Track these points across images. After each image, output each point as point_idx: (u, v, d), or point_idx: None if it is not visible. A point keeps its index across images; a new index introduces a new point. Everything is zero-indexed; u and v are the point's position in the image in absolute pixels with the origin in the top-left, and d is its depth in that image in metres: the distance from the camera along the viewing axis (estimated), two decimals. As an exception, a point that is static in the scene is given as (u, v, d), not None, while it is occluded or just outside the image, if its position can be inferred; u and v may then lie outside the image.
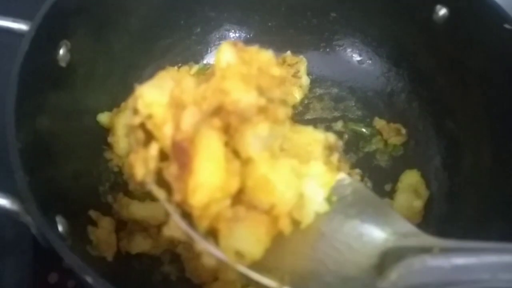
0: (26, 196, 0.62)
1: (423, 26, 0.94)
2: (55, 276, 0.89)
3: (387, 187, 0.95)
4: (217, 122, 0.56)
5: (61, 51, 0.81)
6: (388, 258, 0.58)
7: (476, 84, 0.89)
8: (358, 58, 1.06)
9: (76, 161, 0.85)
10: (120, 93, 0.95)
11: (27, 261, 0.92)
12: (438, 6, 0.90)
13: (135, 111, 0.59)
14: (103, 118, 0.92)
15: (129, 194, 0.88)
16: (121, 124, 0.90)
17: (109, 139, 0.91)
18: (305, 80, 1.02)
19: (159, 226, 0.84)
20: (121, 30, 0.93)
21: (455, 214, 0.88)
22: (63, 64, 0.81)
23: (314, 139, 0.70)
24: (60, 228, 0.68)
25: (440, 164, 0.93)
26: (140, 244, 0.83)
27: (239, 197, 0.59)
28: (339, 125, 1.00)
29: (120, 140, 0.90)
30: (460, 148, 0.91)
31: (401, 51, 1.01)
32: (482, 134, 0.86)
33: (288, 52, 1.04)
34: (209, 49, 1.06)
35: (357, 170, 0.94)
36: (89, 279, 0.57)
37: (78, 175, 0.84)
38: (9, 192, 0.67)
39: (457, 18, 0.89)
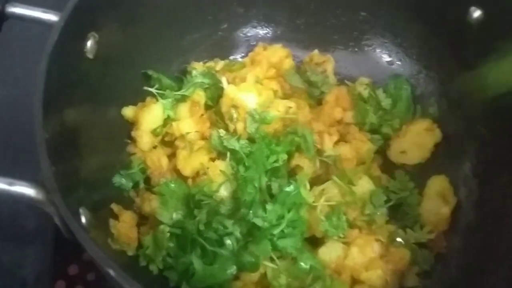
0: (52, 186, 0.61)
1: (456, 28, 0.91)
2: (75, 268, 0.89)
3: (414, 192, 0.92)
4: None
5: (89, 43, 0.80)
6: None
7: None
8: (388, 59, 1.03)
9: (100, 153, 0.84)
10: (145, 87, 0.94)
11: (48, 252, 0.93)
12: (473, 8, 0.87)
13: None
14: (128, 111, 0.91)
15: (151, 189, 0.87)
16: (145, 118, 0.90)
17: (133, 133, 0.90)
18: (332, 80, 1.00)
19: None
20: (149, 23, 0.92)
21: (483, 223, 0.85)
22: (90, 55, 0.81)
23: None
24: (83, 219, 0.68)
25: (470, 171, 0.90)
26: (161, 240, 0.83)
27: None
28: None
29: (144, 135, 0.90)
30: (492, 155, 0.87)
31: (432, 53, 0.98)
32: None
33: (316, 51, 1.02)
34: (236, 45, 1.05)
35: (383, 175, 0.91)
36: (111, 272, 0.56)
37: (101, 168, 0.84)
38: (34, 181, 0.67)
39: (492, 21, 0.86)
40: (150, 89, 0.92)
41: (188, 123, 0.89)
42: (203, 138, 0.89)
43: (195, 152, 0.87)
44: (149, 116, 0.90)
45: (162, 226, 0.79)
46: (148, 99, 0.92)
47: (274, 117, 0.86)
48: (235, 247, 0.77)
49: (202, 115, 0.91)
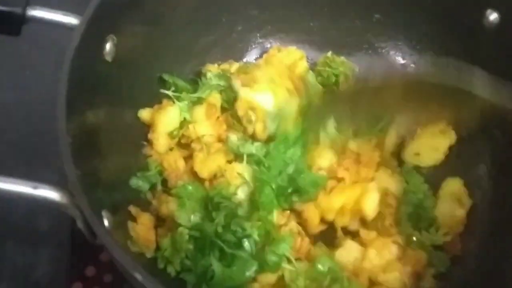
0: (77, 190, 0.62)
1: (471, 31, 0.91)
2: (92, 270, 0.89)
3: (428, 194, 0.93)
4: None
5: (108, 46, 0.81)
6: None
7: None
8: (402, 62, 1.03)
9: (118, 155, 0.85)
10: (162, 89, 0.95)
11: (64, 253, 0.93)
12: (489, 11, 0.88)
13: None
14: (144, 114, 0.92)
15: (168, 191, 0.88)
16: (161, 121, 0.90)
17: (149, 136, 0.91)
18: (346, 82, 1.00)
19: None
20: (165, 26, 0.92)
21: (499, 225, 0.85)
22: (109, 58, 0.81)
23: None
24: (105, 222, 0.69)
25: (484, 173, 0.91)
26: (178, 242, 0.83)
27: None
28: (378, 129, 0.98)
29: (160, 137, 0.90)
30: (506, 157, 0.88)
31: (447, 56, 0.98)
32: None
33: (329, 53, 1.03)
34: (250, 47, 1.05)
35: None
36: (138, 277, 0.56)
37: (119, 170, 0.84)
38: (54, 184, 0.67)
39: (508, 24, 0.86)
40: (166, 91, 0.93)
41: (205, 125, 0.90)
42: (220, 140, 0.89)
43: (212, 154, 0.87)
44: (166, 119, 0.90)
45: (180, 229, 0.79)
46: (165, 101, 0.93)
47: (292, 112, 0.86)
48: (253, 249, 0.78)
49: (218, 117, 0.91)
